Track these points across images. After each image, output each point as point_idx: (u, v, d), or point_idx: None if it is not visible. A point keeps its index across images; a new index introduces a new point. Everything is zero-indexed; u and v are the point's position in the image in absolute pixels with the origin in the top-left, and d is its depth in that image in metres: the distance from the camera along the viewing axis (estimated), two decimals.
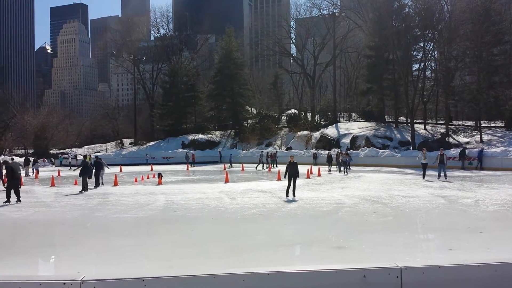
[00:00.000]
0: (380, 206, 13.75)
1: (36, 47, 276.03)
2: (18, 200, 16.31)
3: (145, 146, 65.62)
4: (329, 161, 34.12)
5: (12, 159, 28.23)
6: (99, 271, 7.48)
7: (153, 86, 78.99)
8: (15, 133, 67.80)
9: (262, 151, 42.99)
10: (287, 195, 16.23)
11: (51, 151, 64.26)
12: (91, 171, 21.69)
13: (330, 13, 63.61)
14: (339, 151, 35.43)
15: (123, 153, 60.37)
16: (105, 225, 11.95)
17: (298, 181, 17.18)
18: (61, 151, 67.17)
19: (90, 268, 7.79)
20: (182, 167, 42.42)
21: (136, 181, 26.43)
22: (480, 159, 31.03)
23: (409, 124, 45.61)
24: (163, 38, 79.55)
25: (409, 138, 43.56)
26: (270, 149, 48.88)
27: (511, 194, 16.11)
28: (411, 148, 41.22)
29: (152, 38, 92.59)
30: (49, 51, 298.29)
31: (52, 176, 27.49)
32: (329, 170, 32.36)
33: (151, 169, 37.68)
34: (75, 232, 11.01)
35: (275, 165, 37.46)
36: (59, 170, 37.48)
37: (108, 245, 9.48)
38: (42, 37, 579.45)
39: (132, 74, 79.89)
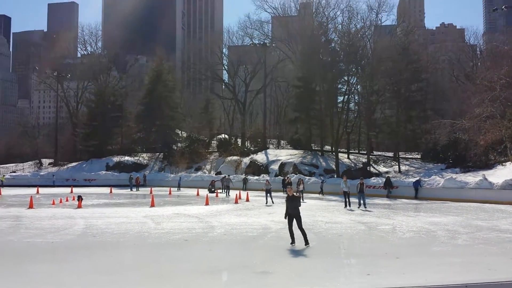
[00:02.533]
0: None
1: None
2: None
3: (65, 167, 62.24)
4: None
5: None
6: None
7: (77, 105, 75.72)
8: None
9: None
10: (292, 242, 11.26)
11: None
12: None
13: (262, 43, 65.41)
14: (300, 178, 31.14)
15: (41, 173, 56.80)
16: (18, 250, 11.08)
17: (226, 206, 16.27)
18: None
19: None
20: (105, 190, 40.65)
21: (53, 203, 24.86)
22: (416, 188, 30.86)
23: (333, 153, 47.46)
24: (91, 56, 76.95)
25: (333, 166, 45.26)
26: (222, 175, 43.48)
27: (425, 221, 17.14)
28: (336, 175, 42.83)
29: (79, 55, 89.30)
30: None
31: None
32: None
33: (71, 192, 35.72)
34: None
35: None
36: None
37: (21, 272, 8.80)
38: None
39: (55, 91, 76.13)
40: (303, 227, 11.17)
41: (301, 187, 27.86)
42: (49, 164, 68.44)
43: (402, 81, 44.27)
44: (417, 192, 30.82)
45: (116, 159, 60.66)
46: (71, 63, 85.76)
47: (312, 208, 22.92)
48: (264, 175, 45.27)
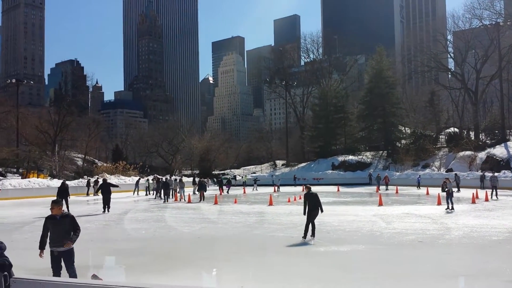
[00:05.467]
0: None
1: (200, 78, 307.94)
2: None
3: (296, 167, 67.19)
4: None
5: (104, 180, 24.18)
6: (254, 287, 7.92)
7: (303, 109, 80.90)
8: (183, 156, 75.62)
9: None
10: (304, 237, 12.32)
11: (213, 172, 69.91)
12: (205, 187, 30.32)
13: (493, 23, 57.72)
14: None
15: (276, 174, 62.63)
16: (263, 243, 12.59)
17: (461, 206, 14.80)
18: (222, 171, 72.59)
19: (248, 283, 8.27)
20: (333, 188, 42.23)
21: (289, 201, 27.19)
22: None
23: None
24: (313, 63, 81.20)
25: None
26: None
27: None
28: None
29: (302, 63, 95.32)
30: (211, 81, 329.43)
31: (216, 195, 29.98)
32: None
33: (302, 190, 38.31)
34: (236, 248, 11.82)
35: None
36: (221, 190, 40.31)
37: (265, 262, 9.96)
38: (205, 70, 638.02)
39: (284, 99, 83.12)
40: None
41: None
42: (282, 165, 74.95)
43: None
44: None
45: (340, 158, 62.43)
46: (296, 71, 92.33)
47: None
48: (506, 171, 39.83)
